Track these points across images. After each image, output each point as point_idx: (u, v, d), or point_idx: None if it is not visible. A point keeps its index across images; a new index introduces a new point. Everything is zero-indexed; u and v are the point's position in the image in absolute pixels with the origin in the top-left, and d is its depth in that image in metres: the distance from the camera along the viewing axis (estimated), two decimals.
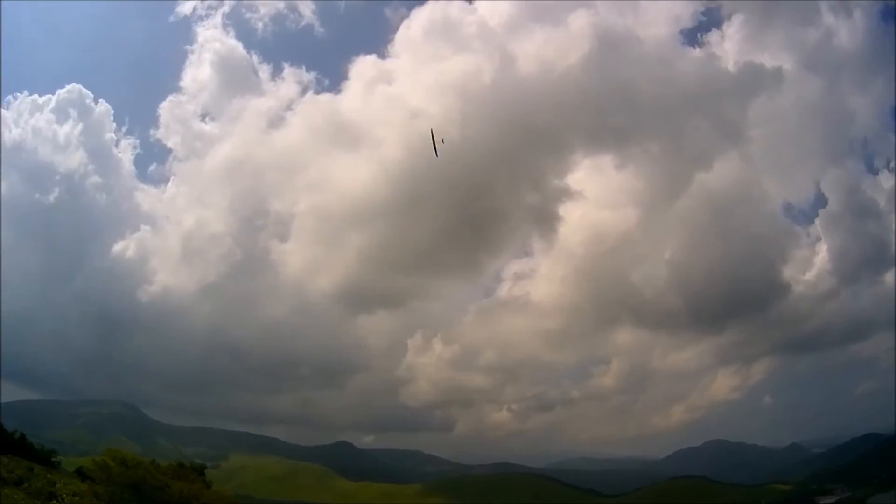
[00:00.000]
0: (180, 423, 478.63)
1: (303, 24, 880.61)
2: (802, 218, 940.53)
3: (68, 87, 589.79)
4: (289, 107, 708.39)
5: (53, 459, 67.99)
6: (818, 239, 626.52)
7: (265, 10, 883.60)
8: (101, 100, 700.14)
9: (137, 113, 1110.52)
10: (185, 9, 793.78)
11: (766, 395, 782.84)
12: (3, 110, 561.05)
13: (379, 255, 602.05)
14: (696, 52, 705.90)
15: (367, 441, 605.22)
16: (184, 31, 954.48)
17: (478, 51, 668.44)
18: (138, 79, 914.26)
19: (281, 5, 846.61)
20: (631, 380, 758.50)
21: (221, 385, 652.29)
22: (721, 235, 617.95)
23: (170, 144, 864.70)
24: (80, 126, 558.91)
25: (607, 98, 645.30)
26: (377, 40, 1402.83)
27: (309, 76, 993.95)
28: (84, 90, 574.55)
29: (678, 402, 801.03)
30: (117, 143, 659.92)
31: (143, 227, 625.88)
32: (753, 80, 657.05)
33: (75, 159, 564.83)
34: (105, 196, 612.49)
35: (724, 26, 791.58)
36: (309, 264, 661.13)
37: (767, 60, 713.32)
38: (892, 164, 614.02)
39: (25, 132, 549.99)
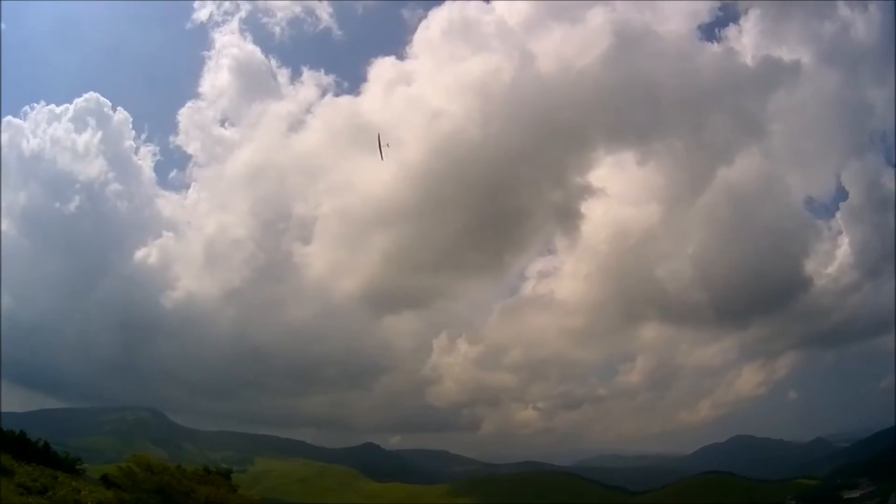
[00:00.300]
0: (206, 427, 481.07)
1: (320, 27, 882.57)
2: (824, 212, 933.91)
3: (86, 95, 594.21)
4: (308, 110, 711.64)
5: (78, 467, 67.02)
6: (839, 232, 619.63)
7: (282, 14, 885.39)
8: (119, 108, 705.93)
9: (156, 120, 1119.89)
10: (201, 15, 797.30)
11: (790, 389, 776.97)
12: (20, 121, 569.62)
13: (403, 255, 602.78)
14: (715, 47, 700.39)
15: (393, 442, 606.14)
16: (201, 38, 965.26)
17: (497, 50, 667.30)
18: (156, 86, 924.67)
19: (298, 9, 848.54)
20: (657, 376, 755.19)
21: (247, 389, 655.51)
22: (744, 230, 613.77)
23: (190, 150, 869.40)
24: (98, 134, 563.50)
25: (627, 94, 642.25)
26: (395, 42, 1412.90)
27: (328, 79, 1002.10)
28: (102, 98, 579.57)
29: (704, 398, 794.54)
30: (137, 151, 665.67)
31: (165, 233, 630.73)
32: (772, 74, 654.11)
33: (95, 167, 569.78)
34: (126, 203, 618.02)
35: (742, 21, 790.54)
36: (332, 267, 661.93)
37: (785, 54, 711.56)
38: None
39: (44, 142, 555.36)
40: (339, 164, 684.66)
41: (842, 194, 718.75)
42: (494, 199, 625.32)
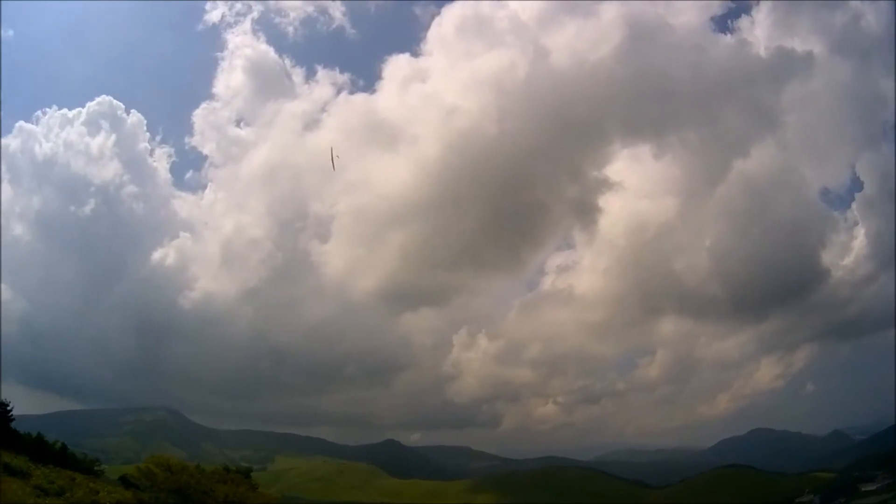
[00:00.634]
0: (225, 427, 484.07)
1: (334, 26, 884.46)
2: (839, 203, 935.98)
3: (98, 99, 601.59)
4: (323, 109, 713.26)
5: (96, 468, 66.45)
6: (855, 223, 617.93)
7: (294, 14, 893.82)
8: (132, 110, 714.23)
9: (171, 122, 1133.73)
10: (213, 16, 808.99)
11: (808, 382, 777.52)
12: (33, 126, 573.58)
13: (420, 252, 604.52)
14: (728, 38, 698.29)
15: (414, 439, 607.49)
16: (213, 39, 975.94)
17: (511, 46, 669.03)
18: (170, 88, 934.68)
19: (310, 9, 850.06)
20: (676, 370, 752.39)
21: (266, 388, 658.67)
22: (760, 222, 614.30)
23: (205, 151, 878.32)
24: (112, 137, 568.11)
25: (642, 88, 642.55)
26: (409, 39, 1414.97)
27: (343, 77, 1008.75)
28: (115, 102, 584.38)
29: (722, 391, 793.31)
30: (152, 153, 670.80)
31: (182, 234, 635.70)
32: (785, 65, 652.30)
33: (110, 170, 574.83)
34: (142, 205, 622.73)
35: (753, 12, 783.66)
36: (350, 264, 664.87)
37: (798, 45, 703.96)
38: None
39: (57, 146, 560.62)
40: (356, 161, 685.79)
41: (857, 185, 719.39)
42: (512, 195, 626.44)
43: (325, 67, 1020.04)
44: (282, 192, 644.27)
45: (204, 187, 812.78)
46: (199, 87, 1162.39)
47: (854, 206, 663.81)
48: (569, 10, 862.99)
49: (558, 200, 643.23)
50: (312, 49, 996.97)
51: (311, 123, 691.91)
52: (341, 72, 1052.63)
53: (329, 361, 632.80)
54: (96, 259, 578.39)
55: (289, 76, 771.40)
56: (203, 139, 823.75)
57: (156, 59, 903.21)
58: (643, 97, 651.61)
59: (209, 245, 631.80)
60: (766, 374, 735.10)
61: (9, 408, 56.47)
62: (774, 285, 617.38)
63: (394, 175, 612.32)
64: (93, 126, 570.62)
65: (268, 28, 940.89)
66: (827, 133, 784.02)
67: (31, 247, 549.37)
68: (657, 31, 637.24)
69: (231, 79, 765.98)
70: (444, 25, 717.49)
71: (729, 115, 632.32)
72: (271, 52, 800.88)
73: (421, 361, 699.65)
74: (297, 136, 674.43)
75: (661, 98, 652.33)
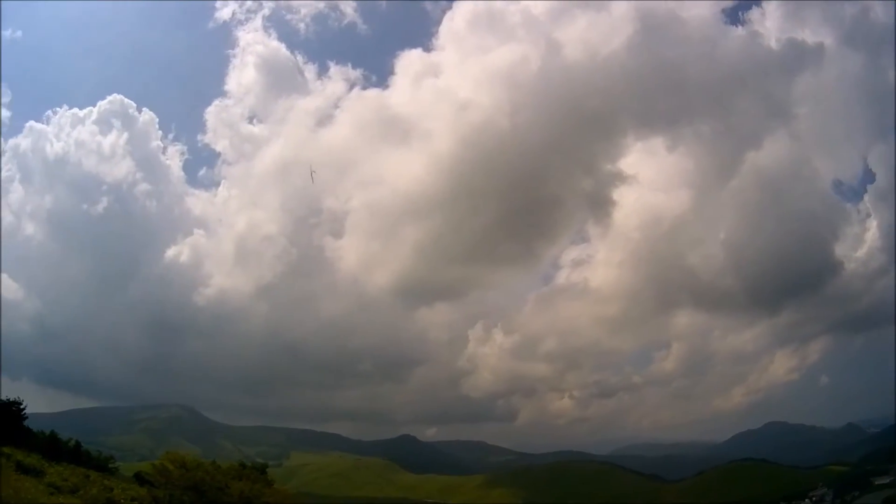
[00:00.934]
0: (241, 423, 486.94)
1: (345, 22, 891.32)
2: (852, 195, 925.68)
3: (109, 98, 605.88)
4: (336, 104, 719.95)
5: (111, 466, 65.86)
6: (868, 215, 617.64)
7: (306, 10, 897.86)
8: (144, 109, 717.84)
9: (183, 119, 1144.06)
10: (223, 14, 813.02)
11: (822, 375, 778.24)
12: (43, 125, 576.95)
13: (435, 247, 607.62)
14: (739, 30, 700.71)
15: (430, 434, 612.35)
16: (224, 36, 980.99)
17: (523, 39, 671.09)
18: (181, 86, 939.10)
19: (321, 5, 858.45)
20: (691, 363, 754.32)
21: (282, 384, 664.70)
22: (774, 215, 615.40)
23: (218, 148, 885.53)
24: (124, 136, 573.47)
25: (654, 80, 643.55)
26: (421, 34, 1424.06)
27: (355, 73, 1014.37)
28: (126, 100, 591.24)
29: (738, 385, 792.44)
30: (164, 150, 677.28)
31: (196, 231, 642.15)
32: (796, 57, 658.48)
33: (122, 168, 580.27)
34: (155, 203, 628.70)
35: (763, 4, 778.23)
36: (365, 260, 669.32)
37: (808, 36, 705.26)
38: None
39: (68, 145, 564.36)
40: (369, 157, 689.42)
41: (869, 177, 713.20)
42: (525, 189, 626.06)
43: (337, 63, 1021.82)
44: (295, 188, 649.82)
45: (217, 184, 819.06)
46: (210, 85, 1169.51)
47: (866, 198, 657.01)
48: (580, 4, 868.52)
49: (572, 194, 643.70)
50: (324, 45, 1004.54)
51: (323, 119, 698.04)
52: (354, 67, 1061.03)
53: (344, 357, 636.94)
54: (110, 257, 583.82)
55: (301, 72, 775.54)
56: (216, 136, 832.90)
57: (167, 57, 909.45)
58: (656, 90, 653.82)
59: (223, 242, 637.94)
60: (781, 367, 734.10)
61: (22, 406, 55.89)
62: (788, 278, 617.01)
63: (407, 170, 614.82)
64: (104, 125, 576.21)
65: (279, 25, 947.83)
66: (838, 125, 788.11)
67: (43, 246, 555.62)
68: (669, 23, 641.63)
69: (243, 76, 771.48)
70: (455, 20, 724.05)
71: (741, 107, 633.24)
72: (283, 49, 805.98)
73: (436, 356, 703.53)
74: (310, 132, 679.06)
75: (673, 90, 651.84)
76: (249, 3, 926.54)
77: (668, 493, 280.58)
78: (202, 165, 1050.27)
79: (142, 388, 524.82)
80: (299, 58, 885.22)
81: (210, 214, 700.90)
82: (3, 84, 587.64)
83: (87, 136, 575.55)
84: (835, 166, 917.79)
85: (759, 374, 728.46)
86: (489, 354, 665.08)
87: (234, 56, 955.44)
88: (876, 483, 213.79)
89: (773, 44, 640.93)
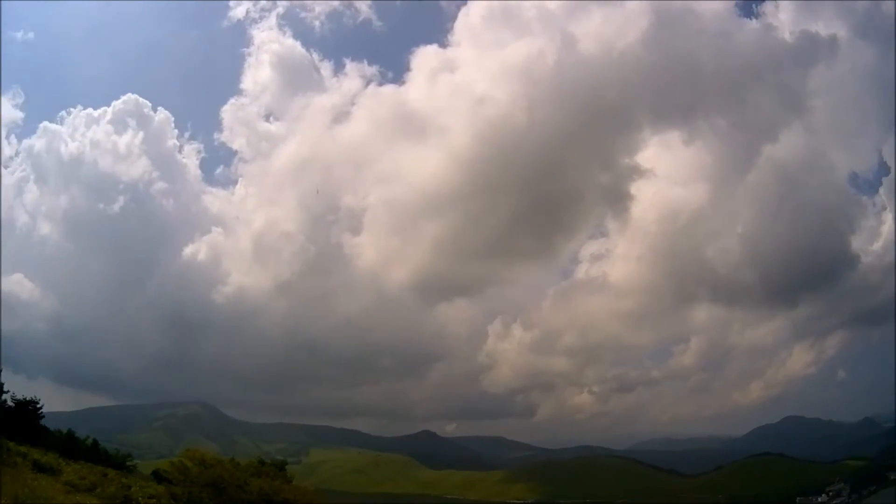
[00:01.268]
0: (260, 420, 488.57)
1: (360, 19, 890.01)
2: (867, 187, 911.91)
3: (124, 97, 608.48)
4: (352, 101, 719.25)
5: (129, 464, 65.54)
6: (884, 208, 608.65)
7: (320, 8, 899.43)
8: (159, 108, 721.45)
9: (199, 118, 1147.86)
10: (237, 13, 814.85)
11: (839, 369, 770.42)
12: (57, 126, 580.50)
13: (453, 243, 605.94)
14: (753, 23, 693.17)
15: (449, 429, 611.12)
16: (239, 35, 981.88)
17: (538, 34, 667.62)
18: (197, 85, 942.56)
19: (336, 3, 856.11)
20: (710, 357, 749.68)
21: (301, 381, 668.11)
22: (791, 208, 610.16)
23: (235, 146, 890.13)
24: (140, 135, 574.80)
25: (670, 73, 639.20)
26: (437, 30, 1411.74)
27: (371, 69, 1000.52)
28: (141, 100, 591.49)
29: (756, 379, 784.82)
30: (181, 149, 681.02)
31: (213, 229, 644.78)
32: (810, 49, 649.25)
33: (138, 168, 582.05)
34: (172, 201, 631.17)
35: None
36: (383, 256, 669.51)
37: (822, 29, 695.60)
38: None
39: (83, 145, 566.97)
40: (387, 153, 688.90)
41: (884, 169, 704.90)
42: (543, 183, 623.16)
43: (352, 60, 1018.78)
44: (313, 186, 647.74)
45: (234, 182, 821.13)
46: (226, 84, 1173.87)
47: (881, 190, 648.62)
48: None
49: (590, 188, 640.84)
50: (339, 43, 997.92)
51: (340, 116, 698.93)
52: (369, 64, 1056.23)
53: (363, 353, 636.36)
54: (128, 256, 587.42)
55: (317, 70, 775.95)
56: (232, 135, 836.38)
57: (181, 56, 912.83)
58: (671, 83, 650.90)
59: (241, 240, 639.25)
60: (799, 361, 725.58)
61: (39, 405, 55.54)
62: (805, 271, 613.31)
63: (424, 166, 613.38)
64: (119, 124, 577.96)
65: (294, 23, 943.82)
66: (853, 117, 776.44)
67: (60, 246, 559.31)
68: (683, 17, 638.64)
69: (258, 74, 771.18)
70: (471, 16, 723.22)
71: (756, 100, 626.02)
72: (298, 47, 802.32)
73: (456, 352, 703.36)
74: (326, 129, 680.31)
75: (689, 84, 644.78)
76: (263, 2, 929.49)
77: (688, 488, 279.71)
78: (219, 164, 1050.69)
79: (160, 385, 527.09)
80: (315, 55, 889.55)
81: (227, 212, 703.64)
82: (16, 85, 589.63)
83: (102, 136, 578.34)
84: (850, 159, 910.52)
85: (777, 369, 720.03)
86: (508, 350, 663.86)
87: (249, 54, 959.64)
88: (892, 478, 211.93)
89: (788, 36, 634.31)
